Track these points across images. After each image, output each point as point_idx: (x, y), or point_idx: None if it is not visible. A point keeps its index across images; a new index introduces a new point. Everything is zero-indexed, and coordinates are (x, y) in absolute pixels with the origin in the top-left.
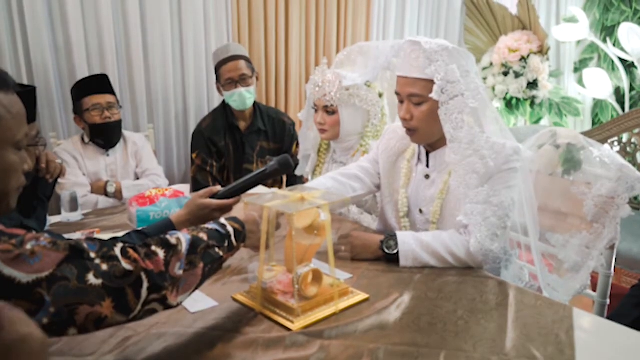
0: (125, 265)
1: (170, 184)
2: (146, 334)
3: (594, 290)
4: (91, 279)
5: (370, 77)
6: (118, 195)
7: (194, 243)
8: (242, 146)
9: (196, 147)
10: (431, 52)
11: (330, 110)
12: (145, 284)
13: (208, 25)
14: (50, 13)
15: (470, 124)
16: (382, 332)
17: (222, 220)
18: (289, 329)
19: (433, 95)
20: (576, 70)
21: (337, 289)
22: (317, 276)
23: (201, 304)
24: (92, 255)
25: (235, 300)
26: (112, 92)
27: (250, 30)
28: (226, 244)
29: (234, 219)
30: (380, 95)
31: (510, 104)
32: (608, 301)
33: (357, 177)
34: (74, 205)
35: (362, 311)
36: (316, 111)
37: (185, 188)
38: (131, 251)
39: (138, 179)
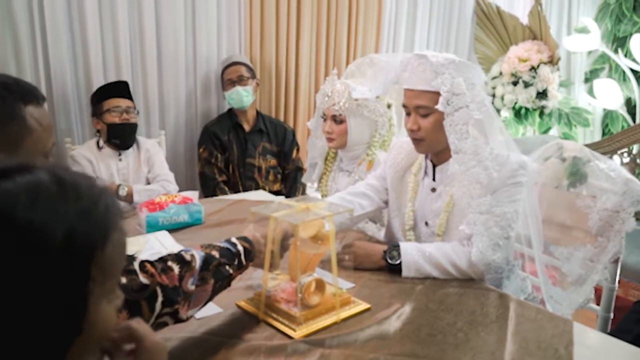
0: (143, 279)
1: (179, 190)
2: None
3: (599, 304)
4: None
5: (380, 92)
6: (129, 198)
7: (207, 260)
8: (245, 142)
9: (202, 142)
10: (437, 65)
11: (338, 120)
12: (160, 298)
13: (220, 37)
14: (70, 25)
15: (475, 136)
16: (382, 342)
17: (233, 239)
18: (291, 337)
19: (439, 107)
20: (587, 80)
21: (339, 298)
22: (319, 285)
23: (206, 310)
24: None
25: (239, 307)
26: (131, 99)
27: (261, 41)
28: (236, 262)
29: (244, 239)
30: (389, 106)
31: (519, 114)
32: (612, 315)
33: (364, 194)
34: None
35: (363, 321)
36: (325, 120)
37: (194, 195)
38: (148, 265)
39: (149, 184)
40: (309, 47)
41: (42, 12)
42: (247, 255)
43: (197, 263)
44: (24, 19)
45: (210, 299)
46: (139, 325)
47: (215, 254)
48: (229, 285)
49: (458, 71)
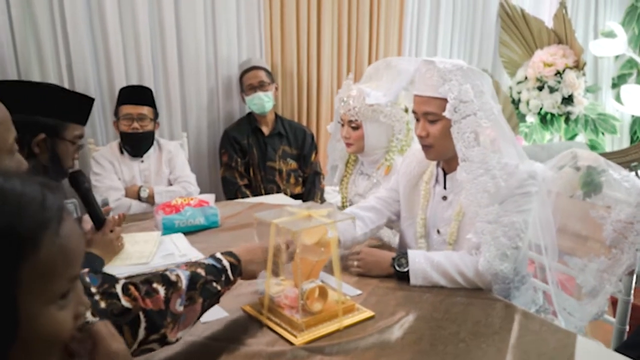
0: (125, 303)
1: (200, 192)
2: None
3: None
4: (88, 316)
5: (392, 98)
6: (150, 200)
7: (193, 279)
8: (265, 146)
9: (223, 146)
10: (445, 72)
11: (354, 125)
12: (143, 324)
13: (240, 39)
14: (91, 27)
15: (485, 144)
16: (382, 351)
17: (218, 254)
18: (292, 343)
19: (446, 114)
20: (614, 86)
21: (342, 305)
22: (322, 292)
23: (212, 314)
24: (93, 290)
25: (244, 311)
26: (150, 104)
27: (282, 43)
28: (223, 278)
29: (229, 254)
30: (406, 110)
31: (545, 120)
32: (627, 327)
33: (374, 208)
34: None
35: (366, 329)
36: (342, 125)
37: (210, 198)
38: (132, 288)
39: (171, 185)
40: (330, 50)
41: (64, 16)
42: (234, 270)
43: (184, 283)
44: (45, 23)
45: (199, 318)
46: (101, 328)
47: (201, 271)
48: (217, 301)
49: (465, 78)
